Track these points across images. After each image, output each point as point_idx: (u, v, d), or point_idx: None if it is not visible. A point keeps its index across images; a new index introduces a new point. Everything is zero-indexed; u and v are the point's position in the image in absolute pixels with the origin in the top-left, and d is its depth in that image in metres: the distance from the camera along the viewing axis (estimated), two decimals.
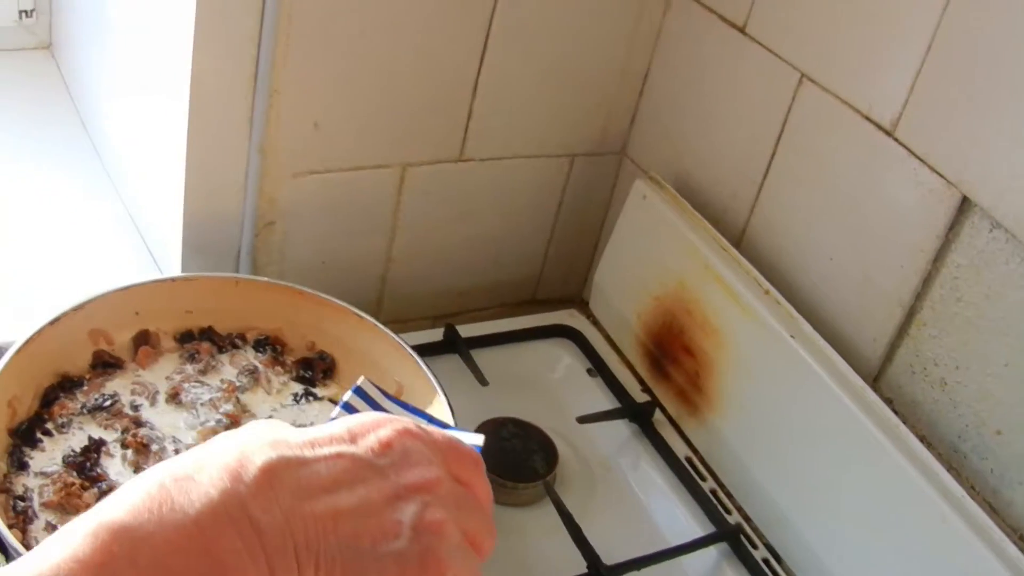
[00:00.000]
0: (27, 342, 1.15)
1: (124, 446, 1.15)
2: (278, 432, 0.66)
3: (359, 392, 0.82)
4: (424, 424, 0.73)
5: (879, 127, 1.22)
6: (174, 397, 1.22)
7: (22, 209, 1.53)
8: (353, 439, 0.68)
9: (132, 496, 0.59)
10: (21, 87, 1.76)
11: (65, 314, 1.20)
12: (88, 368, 1.23)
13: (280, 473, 0.63)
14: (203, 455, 0.63)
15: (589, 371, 1.54)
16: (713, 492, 1.38)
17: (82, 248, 1.50)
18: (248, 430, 0.67)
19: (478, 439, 0.82)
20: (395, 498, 0.67)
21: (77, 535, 0.57)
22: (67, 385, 1.20)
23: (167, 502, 0.59)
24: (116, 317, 1.25)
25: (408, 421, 0.71)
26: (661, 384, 1.49)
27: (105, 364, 1.23)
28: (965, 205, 1.14)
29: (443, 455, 0.71)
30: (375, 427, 0.70)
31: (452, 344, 1.48)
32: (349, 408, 0.81)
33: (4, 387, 1.11)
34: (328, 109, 1.36)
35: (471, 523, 0.71)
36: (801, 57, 1.31)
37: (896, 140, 1.20)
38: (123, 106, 1.54)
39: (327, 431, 0.68)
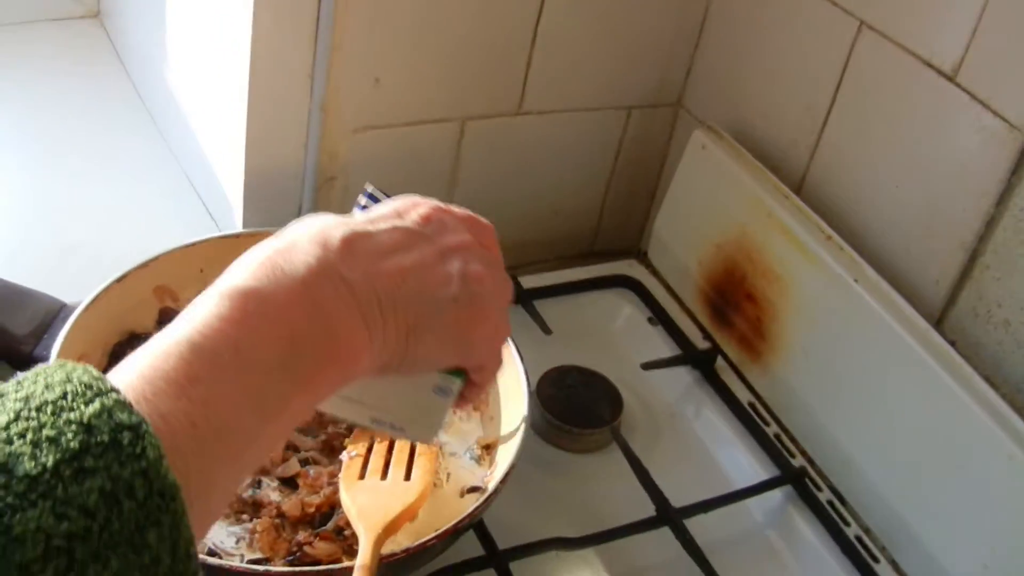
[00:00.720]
0: (94, 300, 1.17)
1: None
2: (343, 217, 0.80)
3: (371, 196, 0.97)
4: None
5: (940, 73, 1.22)
6: None
7: (81, 176, 1.55)
8: (400, 216, 0.83)
9: (249, 265, 0.72)
10: (71, 56, 1.78)
11: (131, 272, 1.22)
12: (155, 325, 1.25)
13: (355, 242, 0.77)
14: (293, 233, 0.76)
15: (650, 320, 1.55)
16: (777, 436, 1.40)
17: (142, 211, 1.52)
18: (319, 216, 0.79)
19: None
20: (442, 257, 0.82)
21: (215, 298, 0.68)
22: (135, 342, 1.21)
23: (277, 268, 0.71)
24: (181, 274, 1.27)
25: (434, 201, 0.87)
26: (723, 331, 1.50)
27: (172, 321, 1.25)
28: None
29: (467, 224, 0.87)
30: (414, 207, 0.85)
31: (515, 295, 1.49)
32: (373, 199, 0.96)
33: (72, 345, 1.13)
34: (388, 64, 1.37)
35: (497, 276, 0.88)
36: (859, 5, 1.31)
37: (958, 85, 1.20)
38: (177, 69, 1.55)
39: (379, 212, 0.83)
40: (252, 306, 0.68)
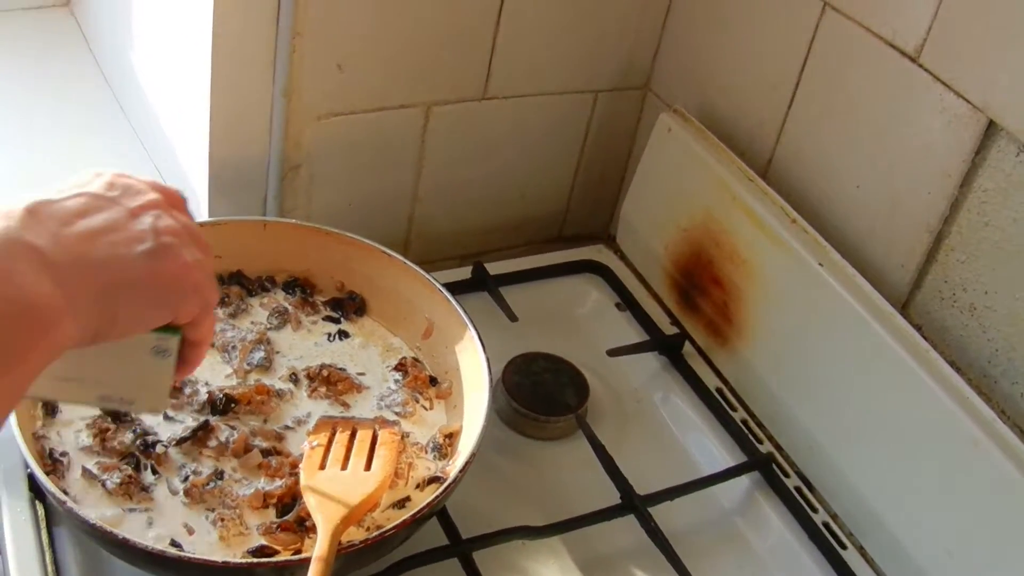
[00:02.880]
0: None
1: None
2: (26, 192, 0.77)
3: None
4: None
5: (903, 54, 1.22)
6: None
7: (49, 164, 1.54)
8: (83, 186, 0.81)
9: None
10: (42, 44, 1.77)
11: None
12: None
13: (39, 209, 0.75)
14: None
15: (618, 305, 1.55)
16: (744, 422, 1.39)
17: None
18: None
19: None
20: (132, 216, 0.81)
21: None
22: None
23: None
24: None
25: (117, 169, 0.86)
26: (690, 316, 1.49)
27: None
28: (991, 129, 1.14)
29: (153, 188, 0.86)
30: (95, 176, 0.83)
31: (481, 282, 1.48)
32: None
33: None
34: (351, 50, 1.36)
35: (192, 235, 0.85)
36: None
37: (921, 66, 1.20)
38: (145, 57, 1.54)
39: (62, 184, 0.81)
40: None
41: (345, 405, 1.23)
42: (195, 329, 0.88)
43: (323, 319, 1.32)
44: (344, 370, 1.26)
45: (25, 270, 0.70)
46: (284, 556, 1.04)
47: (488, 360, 1.20)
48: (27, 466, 1.08)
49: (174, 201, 0.87)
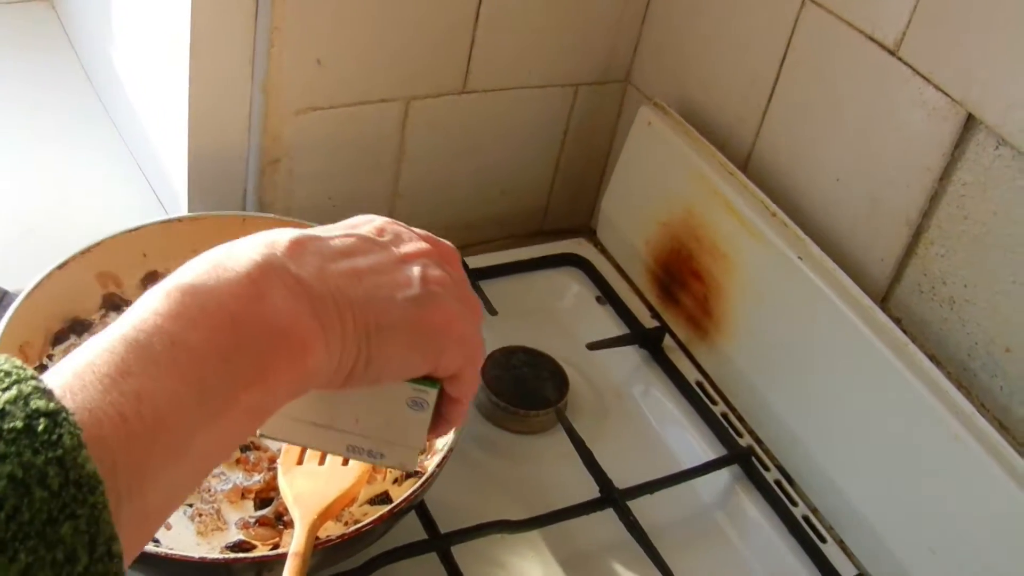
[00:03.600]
0: (35, 287, 1.16)
1: None
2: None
3: None
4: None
5: (883, 47, 1.22)
6: None
7: (27, 158, 1.54)
8: (352, 228, 0.81)
9: (192, 267, 0.69)
10: (22, 38, 1.76)
11: (73, 258, 1.20)
12: (98, 311, 1.24)
13: (305, 243, 0.75)
14: (234, 245, 0.73)
15: (598, 299, 1.55)
16: (724, 415, 1.39)
17: (88, 194, 1.50)
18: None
19: None
20: (401, 262, 0.80)
21: (155, 295, 0.66)
22: (78, 328, 1.21)
23: (220, 266, 0.69)
24: (124, 259, 1.25)
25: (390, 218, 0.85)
26: (670, 310, 1.49)
27: (115, 306, 1.24)
28: (971, 123, 1.14)
29: (425, 240, 0.84)
30: (366, 220, 0.83)
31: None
32: None
33: (15, 333, 1.11)
34: (330, 45, 1.35)
35: (462, 291, 0.84)
36: None
37: (900, 60, 1.20)
38: (125, 52, 1.53)
39: (331, 226, 0.81)
40: (189, 299, 0.66)
41: None
42: (456, 384, 0.85)
43: None
44: None
45: (283, 295, 0.70)
46: (261, 551, 1.04)
47: None
48: None
49: (446, 254, 0.86)
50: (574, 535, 1.23)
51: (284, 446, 1.11)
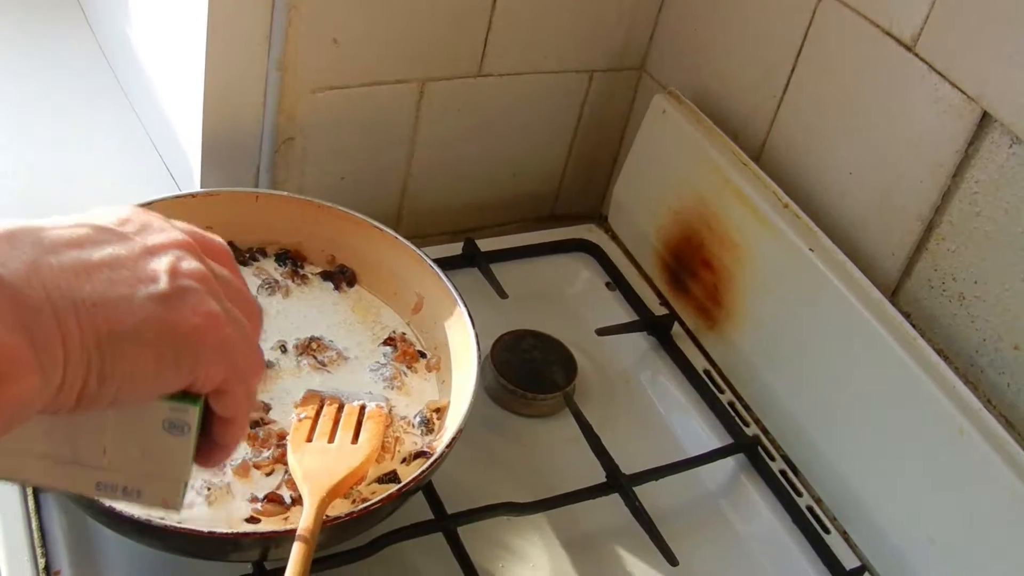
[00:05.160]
0: None
1: None
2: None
3: None
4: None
5: (900, 42, 1.22)
6: None
7: (44, 135, 1.54)
8: (87, 217, 0.66)
9: None
10: (38, 15, 1.76)
11: None
12: None
13: (18, 234, 0.60)
14: None
15: (608, 285, 1.55)
16: (731, 404, 1.40)
17: (102, 170, 1.51)
18: None
19: None
20: (146, 254, 0.66)
21: None
22: None
23: None
24: None
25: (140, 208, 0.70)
26: (680, 298, 1.50)
27: None
28: (985, 121, 1.14)
29: (184, 232, 0.70)
30: (108, 210, 0.68)
31: (471, 258, 1.48)
32: None
33: None
34: (347, 24, 1.35)
35: (232, 289, 0.71)
36: None
37: (917, 56, 1.20)
38: (141, 29, 1.53)
39: (59, 217, 0.65)
40: None
41: (331, 376, 1.23)
42: (222, 401, 0.71)
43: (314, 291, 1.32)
44: (333, 342, 1.26)
45: None
46: (270, 527, 1.05)
47: (477, 336, 1.20)
48: None
49: (211, 248, 0.72)
50: (579, 519, 1.23)
51: (294, 421, 1.12)
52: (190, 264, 0.67)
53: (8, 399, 0.56)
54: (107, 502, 0.92)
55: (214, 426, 0.73)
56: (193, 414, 0.70)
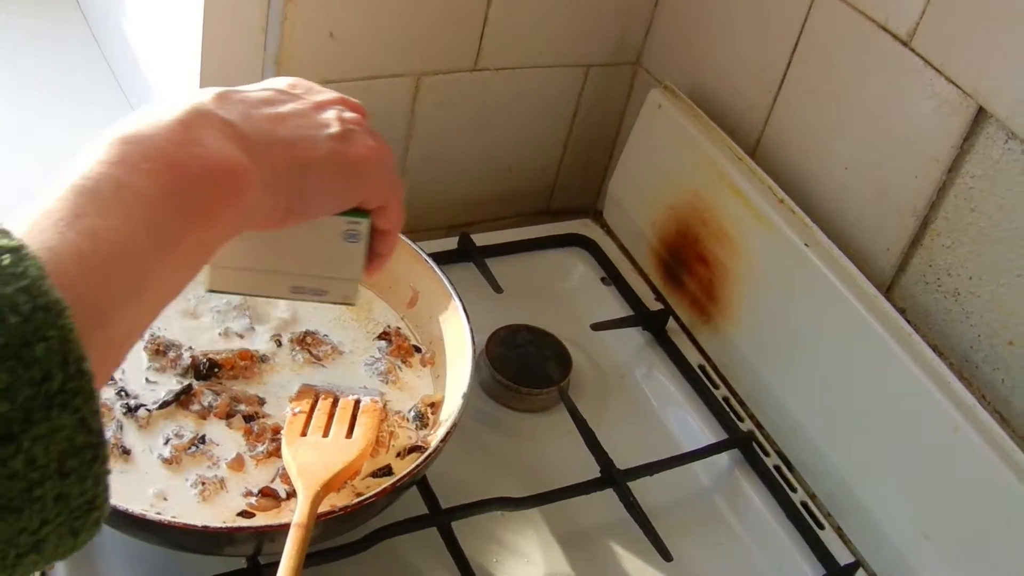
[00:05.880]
0: None
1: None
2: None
3: None
4: None
5: (896, 37, 1.22)
6: (190, 312, 1.24)
7: (39, 124, 1.54)
8: (268, 83, 0.87)
9: (126, 120, 0.73)
10: (34, 10, 1.75)
11: None
12: None
13: (228, 95, 0.79)
14: (163, 101, 0.76)
15: (603, 280, 1.55)
16: (725, 399, 1.40)
17: None
18: None
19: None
20: (317, 107, 0.86)
21: (96, 147, 0.70)
22: None
23: (153, 116, 0.73)
24: None
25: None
26: (675, 293, 1.50)
27: None
28: (981, 116, 1.14)
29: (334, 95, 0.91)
30: (279, 79, 0.90)
31: (467, 253, 1.49)
32: None
33: None
34: (343, 18, 1.35)
35: (375, 135, 0.90)
36: None
37: (912, 51, 1.20)
38: (136, 19, 1.53)
39: (247, 85, 0.85)
40: (129, 147, 0.70)
41: (326, 370, 1.23)
42: (383, 215, 0.93)
43: None
44: (328, 336, 1.26)
45: (215, 135, 0.74)
46: (263, 521, 1.05)
47: (472, 331, 1.20)
48: None
49: (355, 106, 0.91)
50: (573, 514, 1.23)
51: (288, 415, 1.12)
52: (349, 114, 0.88)
53: (244, 202, 0.75)
54: None
55: (375, 240, 0.95)
56: (365, 225, 0.92)
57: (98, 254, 0.62)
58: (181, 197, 0.70)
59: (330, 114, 0.86)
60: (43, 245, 0.60)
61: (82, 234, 0.62)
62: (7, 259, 0.56)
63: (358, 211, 0.90)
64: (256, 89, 0.84)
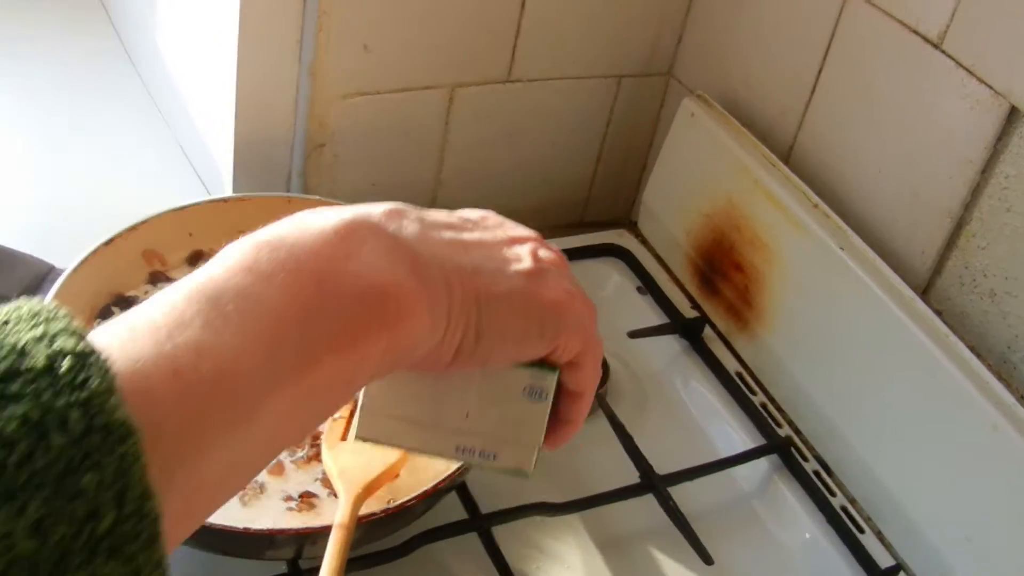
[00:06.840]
0: (82, 263, 1.17)
1: None
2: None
3: None
4: None
5: (926, 40, 1.22)
6: None
7: (72, 140, 1.56)
8: (453, 212, 0.75)
9: (276, 224, 0.63)
10: (65, 22, 1.77)
11: (119, 235, 1.22)
12: (143, 288, 1.25)
13: (403, 211, 0.68)
14: (323, 208, 0.66)
15: (639, 289, 1.55)
16: (763, 406, 1.39)
17: (133, 175, 1.52)
18: None
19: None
20: (510, 242, 0.74)
21: (232, 249, 0.60)
22: (122, 304, 1.22)
23: (305, 223, 0.63)
24: (170, 238, 1.27)
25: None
26: (711, 300, 1.50)
27: (160, 284, 1.25)
28: (1014, 115, 1.14)
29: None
30: (468, 210, 0.76)
31: None
32: None
33: None
34: (377, 30, 1.36)
35: (577, 287, 0.76)
36: None
37: (944, 52, 1.20)
38: (168, 35, 1.55)
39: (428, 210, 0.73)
40: (267, 254, 0.59)
41: None
42: (576, 374, 0.77)
43: None
44: None
45: (377, 251, 0.63)
46: (304, 524, 1.05)
47: None
48: None
49: (553, 250, 0.77)
50: (613, 519, 1.24)
51: (328, 424, 1.12)
52: (546, 252, 0.75)
53: (403, 334, 0.63)
54: None
55: (562, 403, 0.79)
56: (551, 381, 0.76)
57: (199, 375, 0.53)
58: (321, 317, 0.59)
59: (523, 249, 0.73)
60: (130, 355, 0.51)
61: (184, 348, 0.53)
62: (66, 364, 0.47)
63: (546, 365, 0.75)
64: (439, 213, 0.72)
